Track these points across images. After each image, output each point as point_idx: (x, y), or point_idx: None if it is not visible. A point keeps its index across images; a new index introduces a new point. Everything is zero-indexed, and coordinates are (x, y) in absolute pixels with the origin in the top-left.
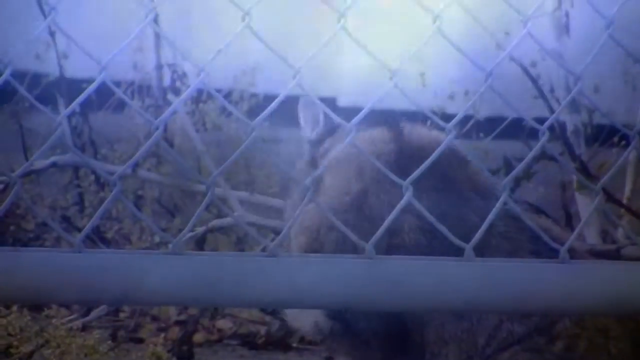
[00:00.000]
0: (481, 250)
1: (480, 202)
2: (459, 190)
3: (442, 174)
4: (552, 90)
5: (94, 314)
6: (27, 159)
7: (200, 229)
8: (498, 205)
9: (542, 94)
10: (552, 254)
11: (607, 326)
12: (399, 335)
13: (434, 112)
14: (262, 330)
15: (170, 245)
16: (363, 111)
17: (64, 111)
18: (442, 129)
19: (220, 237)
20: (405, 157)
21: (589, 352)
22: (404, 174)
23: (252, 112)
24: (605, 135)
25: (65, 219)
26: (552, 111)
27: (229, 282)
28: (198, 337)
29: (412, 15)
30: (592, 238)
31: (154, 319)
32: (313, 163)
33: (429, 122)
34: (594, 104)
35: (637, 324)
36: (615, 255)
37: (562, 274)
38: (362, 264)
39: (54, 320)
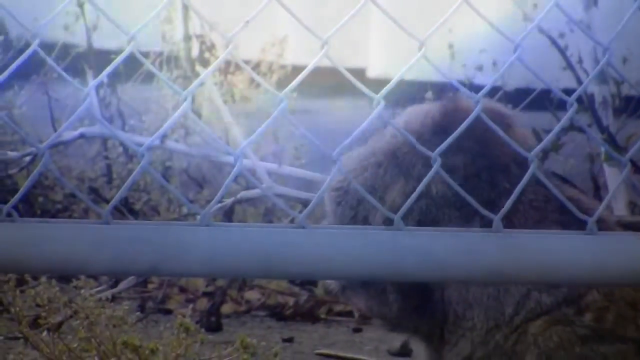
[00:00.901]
0: (509, 217)
1: (516, 170)
2: (495, 155)
3: (482, 136)
4: (580, 62)
5: (123, 285)
6: (55, 130)
7: (228, 201)
8: (526, 176)
9: (570, 66)
10: (580, 224)
11: (636, 299)
12: (417, 290)
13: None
14: (291, 301)
15: (198, 217)
16: (391, 82)
17: (92, 82)
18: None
19: (249, 209)
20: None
21: (618, 324)
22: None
23: (281, 84)
24: (634, 106)
25: (93, 191)
26: (580, 82)
27: (256, 254)
28: (226, 308)
29: None
30: (620, 210)
31: (182, 290)
32: None
33: (457, 94)
34: (622, 76)
35: None
36: None
37: (589, 245)
38: (389, 234)
39: (82, 291)
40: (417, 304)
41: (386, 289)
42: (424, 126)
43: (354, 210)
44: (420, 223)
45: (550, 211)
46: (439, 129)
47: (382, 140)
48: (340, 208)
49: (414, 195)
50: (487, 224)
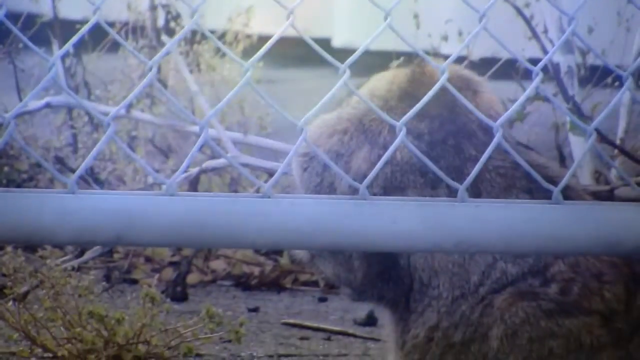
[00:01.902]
0: (475, 184)
1: (483, 136)
2: (462, 121)
3: (448, 102)
4: (545, 31)
5: (88, 255)
6: (20, 100)
7: (194, 170)
8: (491, 146)
9: (535, 35)
10: (548, 192)
11: (601, 271)
12: (381, 256)
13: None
14: (256, 271)
15: (164, 186)
16: (357, 52)
17: (58, 52)
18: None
19: (214, 178)
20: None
21: (583, 296)
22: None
23: (247, 53)
24: (599, 76)
25: (59, 160)
26: (545, 52)
27: (222, 223)
28: (192, 278)
29: None
30: (586, 179)
31: (148, 260)
32: None
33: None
34: (588, 45)
35: (630, 269)
36: (608, 196)
37: (555, 214)
38: (355, 204)
39: (48, 261)
40: (382, 269)
41: (352, 255)
42: (390, 92)
43: (319, 177)
44: (385, 189)
45: (517, 178)
46: (405, 95)
47: (349, 107)
48: (307, 174)
49: (379, 165)
50: (453, 190)
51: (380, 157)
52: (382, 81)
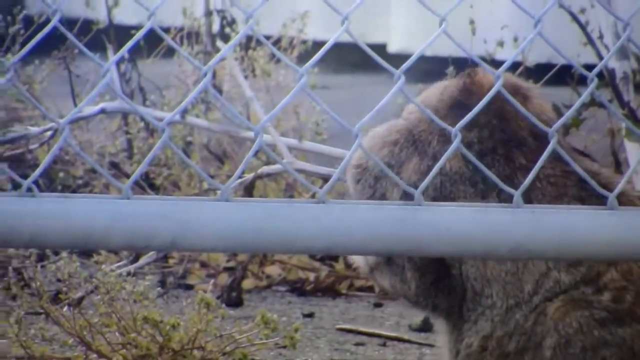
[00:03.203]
0: (526, 193)
1: (533, 144)
2: (512, 130)
3: (498, 110)
4: (600, 37)
5: (143, 260)
6: (75, 106)
7: (249, 176)
8: (546, 152)
9: (590, 41)
10: (600, 199)
11: None
12: (434, 266)
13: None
14: (311, 276)
15: (219, 192)
16: (412, 57)
17: (113, 58)
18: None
19: (269, 184)
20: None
21: (637, 304)
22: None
23: (301, 59)
24: None
25: (114, 166)
26: (600, 58)
27: (277, 229)
28: (247, 284)
29: None
30: None
31: (203, 265)
32: None
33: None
34: None
35: None
36: None
37: (610, 220)
38: (409, 210)
39: (103, 267)
40: (434, 279)
41: (405, 266)
42: (440, 102)
43: (372, 189)
44: (435, 200)
45: (569, 186)
46: (456, 104)
47: (400, 118)
48: (360, 185)
49: (434, 171)
50: (503, 200)
51: (429, 167)
52: (433, 91)
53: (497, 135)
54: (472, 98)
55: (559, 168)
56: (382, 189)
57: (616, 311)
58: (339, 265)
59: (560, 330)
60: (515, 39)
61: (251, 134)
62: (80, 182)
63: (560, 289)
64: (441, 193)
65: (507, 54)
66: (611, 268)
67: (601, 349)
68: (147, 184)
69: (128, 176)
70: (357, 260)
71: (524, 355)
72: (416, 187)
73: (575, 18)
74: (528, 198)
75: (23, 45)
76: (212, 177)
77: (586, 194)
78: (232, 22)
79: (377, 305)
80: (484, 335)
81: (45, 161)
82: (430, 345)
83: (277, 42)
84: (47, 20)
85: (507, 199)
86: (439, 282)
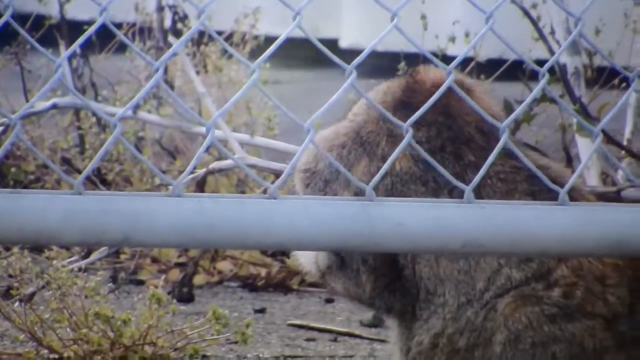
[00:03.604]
0: (476, 190)
1: (481, 140)
2: (459, 127)
3: (443, 108)
4: (552, 33)
5: (95, 256)
6: (27, 101)
7: (200, 171)
8: (497, 147)
9: (542, 36)
10: (551, 193)
11: (605, 274)
12: (388, 267)
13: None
14: (263, 272)
15: (170, 187)
16: (363, 53)
17: (65, 53)
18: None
19: (221, 179)
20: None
21: (586, 300)
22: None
23: (253, 54)
24: (606, 77)
25: (66, 161)
26: (552, 53)
27: (229, 224)
28: (198, 279)
29: None
30: (593, 180)
31: (154, 261)
32: None
33: (430, 65)
34: (595, 46)
35: (634, 272)
36: (615, 197)
37: (561, 216)
38: (361, 205)
39: (54, 262)
40: (388, 282)
41: (359, 269)
42: (384, 102)
43: (322, 192)
44: None
45: (519, 182)
46: (399, 103)
47: (346, 120)
48: (309, 189)
49: (385, 165)
50: (457, 195)
51: (379, 168)
52: (376, 94)
53: (444, 133)
54: (416, 96)
55: (508, 164)
56: (332, 191)
57: (566, 307)
58: (291, 261)
59: (510, 326)
60: (467, 35)
61: (203, 130)
62: (32, 177)
63: (512, 285)
64: (392, 194)
65: (459, 50)
66: (561, 264)
67: (551, 344)
68: (99, 180)
69: (80, 172)
70: (307, 265)
71: (474, 352)
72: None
73: (527, 13)
74: (479, 195)
75: None
76: (164, 172)
77: (537, 189)
78: (184, 18)
79: (329, 300)
80: (435, 332)
81: None
82: (382, 341)
83: (229, 38)
84: None
85: (458, 196)
86: (393, 283)
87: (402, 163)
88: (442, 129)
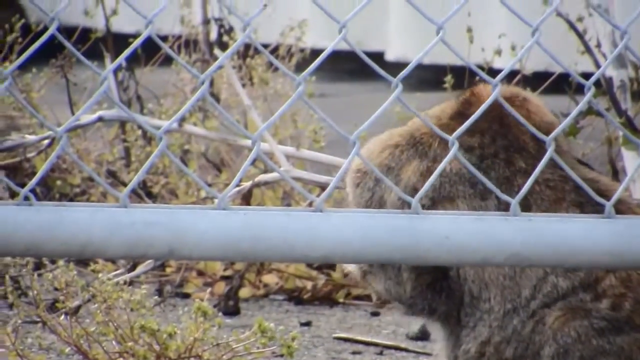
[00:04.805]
0: (525, 196)
1: (534, 149)
2: (513, 135)
3: (499, 117)
4: (598, 45)
5: (141, 268)
6: (73, 114)
7: (246, 184)
8: (543, 160)
9: (588, 49)
10: (598, 205)
11: None
12: (431, 267)
13: (481, 67)
14: (309, 285)
15: (216, 200)
16: (409, 66)
17: (110, 66)
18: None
19: (267, 192)
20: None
21: (635, 312)
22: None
23: (299, 67)
24: None
25: (111, 174)
26: (598, 66)
27: (275, 237)
28: (244, 292)
29: None
30: (639, 193)
31: (200, 274)
32: None
33: (476, 78)
34: None
35: None
36: None
37: (607, 229)
38: (407, 218)
39: (100, 275)
40: (431, 280)
41: (400, 267)
42: (443, 112)
43: (371, 192)
44: (433, 200)
45: (567, 191)
46: (457, 114)
47: (399, 127)
48: (359, 189)
49: (431, 179)
50: (502, 202)
51: (429, 168)
52: (436, 107)
53: (499, 141)
54: (471, 108)
55: (557, 173)
56: (381, 190)
57: (615, 320)
58: (337, 274)
59: (559, 340)
60: (513, 47)
61: (249, 142)
62: (77, 190)
63: (558, 294)
64: (440, 194)
65: (505, 62)
66: (610, 274)
67: (599, 358)
68: (145, 193)
69: (125, 184)
70: (349, 266)
71: None
72: (416, 190)
73: (572, 26)
74: (527, 202)
75: (21, 53)
76: (209, 185)
77: (585, 200)
78: (230, 30)
79: (375, 314)
80: (481, 341)
81: (42, 169)
82: (428, 354)
83: (274, 50)
84: (45, 29)
85: (507, 203)
86: (436, 283)
87: (453, 164)
88: (496, 137)
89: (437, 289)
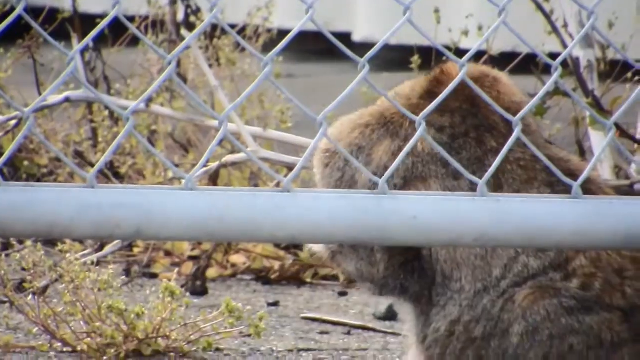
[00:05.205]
0: (497, 176)
1: (504, 129)
2: (483, 114)
3: (469, 96)
4: (565, 26)
5: (108, 249)
6: (40, 94)
7: (213, 165)
8: (510, 141)
9: (555, 30)
10: (568, 185)
11: (623, 266)
12: (405, 247)
13: (448, 48)
14: (276, 265)
15: (183, 181)
16: (376, 46)
17: (77, 46)
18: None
19: (234, 173)
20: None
21: (605, 292)
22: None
23: (266, 48)
24: (619, 70)
25: (79, 155)
26: (565, 47)
27: (242, 217)
28: (211, 272)
29: None
30: (606, 174)
31: (168, 254)
32: None
33: (443, 58)
34: (607, 40)
35: None
36: (628, 191)
37: (574, 209)
38: (375, 199)
39: (67, 255)
40: (404, 260)
41: (374, 248)
42: (412, 91)
43: (341, 172)
44: (406, 180)
45: (538, 170)
46: (427, 93)
47: (373, 106)
48: (328, 169)
49: (399, 158)
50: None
51: (401, 148)
52: (405, 85)
53: (469, 120)
54: (441, 87)
55: (528, 153)
56: (352, 170)
57: (584, 299)
58: (304, 254)
59: (528, 318)
60: (480, 28)
61: (216, 123)
62: (45, 171)
63: (529, 273)
64: (412, 174)
65: (472, 43)
66: (580, 254)
67: (569, 336)
68: (112, 173)
69: (93, 165)
70: (316, 246)
71: (491, 341)
72: (387, 169)
73: (539, 7)
74: (499, 182)
75: None
76: (176, 165)
77: (555, 180)
78: (197, 11)
79: (342, 294)
80: (451, 319)
81: (9, 150)
82: (395, 334)
83: (242, 31)
84: (12, 9)
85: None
86: (409, 264)
87: (425, 144)
88: (467, 116)
89: (410, 269)
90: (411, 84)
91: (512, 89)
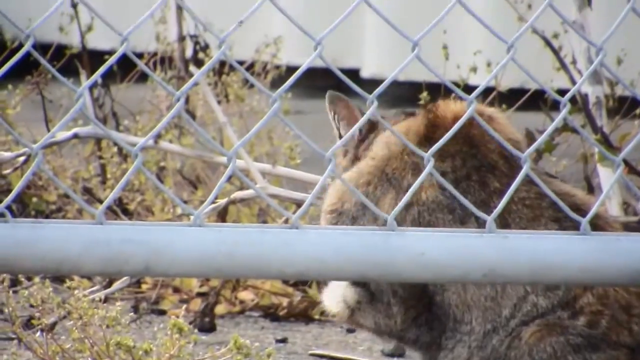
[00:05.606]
0: (503, 216)
1: (505, 167)
2: (483, 154)
3: (466, 137)
4: (574, 62)
5: (116, 285)
6: (49, 131)
7: (222, 201)
8: (519, 177)
9: (564, 66)
10: (575, 220)
11: (630, 303)
12: (418, 299)
13: (457, 84)
14: (284, 302)
15: (192, 217)
16: (385, 82)
17: (86, 83)
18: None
19: (243, 209)
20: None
21: (611, 330)
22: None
23: (275, 84)
24: (627, 107)
25: (87, 191)
26: (574, 83)
27: (250, 254)
28: (220, 309)
29: None
30: (614, 210)
31: (176, 290)
32: (354, 160)
33: (452, 95)
34: (616, 76)
35: None
36: (637, 227)
37: (582, 245)
38: (383, 235)
39: (76, 292)
40: (417, 314)
41: (390, 301)
42: (407, 136)
43: None
44: None
45: (544, 208)
46: (423, 139)
47: (367, 158)
48: None
49: (407, 196)
50: (481, 226)
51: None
52: (401, 125)
53: (469, 162)
54: (438, 131)
55: (533, 190)
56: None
57: (591, 336)
58: (312, 291)
59: (535, 355)
60: (489, 64)
61: (224, 159)
62: (53, 207)
63: (538, 312)
64: (420, 223)
65: (481, 80)
66: (587, 291)
67: None
68: (121, 210)
69: (101, 201)
70: (333, 306)
71: None
72: (395, 220)
73: (548, 43)
74: (505, 221)
75: None
76: (185, 202)
77: (562, 215)
78: (206, 47)
79: (350, 330)
80: None
81: (18, 186)
82: None
83: (250, 67)
84: (20, 45)
85: (485, 224)
86: (421, 316)
87: (429, 192)
88: (466, 158)
89: (422, 322)
90: (402, 132)
91: (508, 127)
